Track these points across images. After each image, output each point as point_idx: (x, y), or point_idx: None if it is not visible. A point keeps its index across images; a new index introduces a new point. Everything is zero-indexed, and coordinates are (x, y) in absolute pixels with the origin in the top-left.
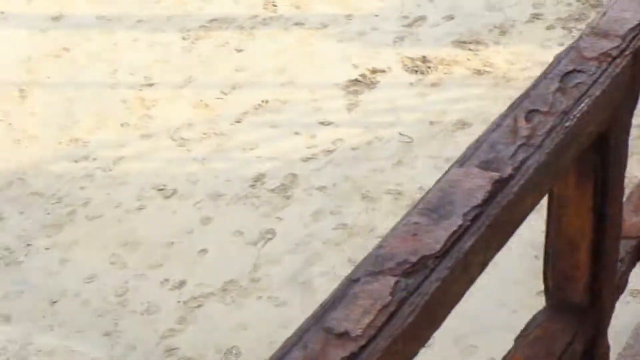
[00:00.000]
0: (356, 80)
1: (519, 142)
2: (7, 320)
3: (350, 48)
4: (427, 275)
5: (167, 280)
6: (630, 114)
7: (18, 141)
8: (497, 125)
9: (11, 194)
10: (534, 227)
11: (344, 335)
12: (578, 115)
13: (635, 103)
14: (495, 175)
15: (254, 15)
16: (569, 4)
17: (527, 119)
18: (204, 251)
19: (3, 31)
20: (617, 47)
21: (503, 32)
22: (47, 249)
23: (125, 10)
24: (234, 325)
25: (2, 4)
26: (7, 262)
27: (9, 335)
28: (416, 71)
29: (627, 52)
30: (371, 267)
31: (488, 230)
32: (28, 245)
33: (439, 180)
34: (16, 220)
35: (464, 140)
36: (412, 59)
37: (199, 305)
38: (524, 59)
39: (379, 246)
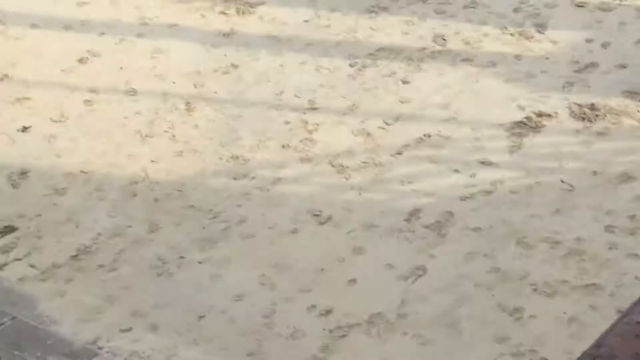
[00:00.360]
0: (521, 122)
1: None
2: (155, 329)
3: (518, 89)
4: None
5: (314, 306)
6: None
7: (180, 153)
8: None
9: (169, 206)
10: None
11: None
12: None
13: None
14: None
15: (422, 48)
16: None
17: None
18: (353, 281)
19: (175, 43)
20: None
21: None
22: (199, 263)
23: (296, 33)
24: (377, 359)
25: (176, 17)
26: (159, 272)
27: (154, 344)
28: (583, 118)
29: None
30: None
31: None
32: (181, 257)
33: None
34: (171, 232)
35: (627, 194)
36: (580, 105)
37: (344, 335)
38: None
39: (598, 345)
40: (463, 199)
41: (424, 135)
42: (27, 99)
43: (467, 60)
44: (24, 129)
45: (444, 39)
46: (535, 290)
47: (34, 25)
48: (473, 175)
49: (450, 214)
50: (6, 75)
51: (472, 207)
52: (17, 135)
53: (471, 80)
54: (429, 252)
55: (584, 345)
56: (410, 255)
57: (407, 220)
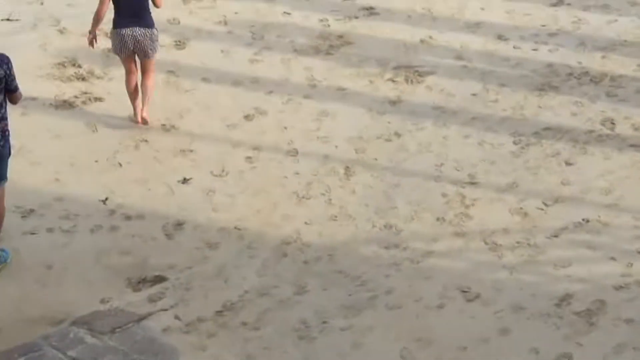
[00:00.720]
0: None
1: None
2: None
3: None
4: None
5: None
6: None
7: (334, 218)
8: None
9: (318, 269)
10: None
11: None
12: None
13: None
14: None
15: (589, 130)
16: None
17: None
18: None
19: (341, 107)
20: None
21: None
22: (342, 330)
23: (462, 105)
24: None
25: (345, 80)
26: (301, 335)
27: None
28: None
29: None
30: None
31: None
32: (324, 322)
33: None
34: (318, 296)
35: None
36: None
37: None
38: None
39: None
40: (617, 288)
41: (583, 219)
42: (191, 151)
43: (635, 146)
44: (185, 180)
45: (612, 123)
46: None
47: (205, 79)
48: (630, 265)
49: (603, 302)
50: (173, 127)
51: (626, 297)
52: (177, 187)
53: (638, 166)
54: (577, 340)
55: None
56: (557, 342)
57: (558, 305)
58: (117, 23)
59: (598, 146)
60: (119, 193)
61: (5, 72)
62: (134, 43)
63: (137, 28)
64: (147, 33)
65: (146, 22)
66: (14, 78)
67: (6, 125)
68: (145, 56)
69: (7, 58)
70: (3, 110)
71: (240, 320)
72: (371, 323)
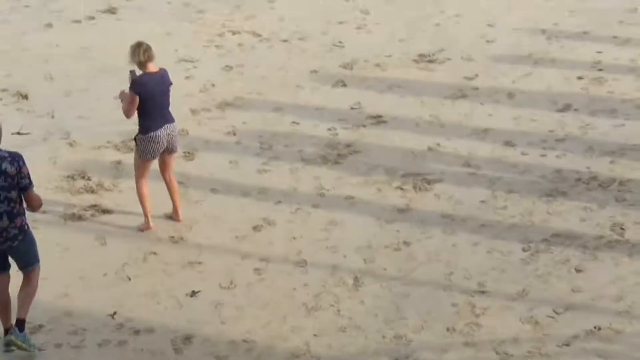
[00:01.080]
0: None
1: None
2: None
3: None
4: None
5: None
6: None
7: (343, 329)
8: None
9: None
10: None
11: None
12: None
13: None
14: None
15: (599, 236)
16: None
17: None
18: None
19: (349, 216)
20: None
21: None
22: None
23: (471, 213)
24: None
25: (353, 189)
26: None
27: None
28: None
29: None
30: None
31: None
32: None
33: None
34: None
35: None
36: None
37: None
38: None
39: None
40: None
41: (595, 327)
42: (199, 263)
43: None
44: (193, 293)
45: (622, 228)
46: None
47: (214, 190)
48: None
49: None
50: (182, 238)
51: None
52: (185, 300)
53: None
54: None
55: None
56: None
57: None
58: (150, 127)
59: (608, 252)
60: (127, 307)
61: (17, 169)
62: (168, 141)
63: (168, 125)
64: (175, 128)
65: (171, 117)
66: (25, 176)
67: (23, 220)
68: (172, 152)
69: (20, 156)
70: (18, 207)
71: None
72: None
